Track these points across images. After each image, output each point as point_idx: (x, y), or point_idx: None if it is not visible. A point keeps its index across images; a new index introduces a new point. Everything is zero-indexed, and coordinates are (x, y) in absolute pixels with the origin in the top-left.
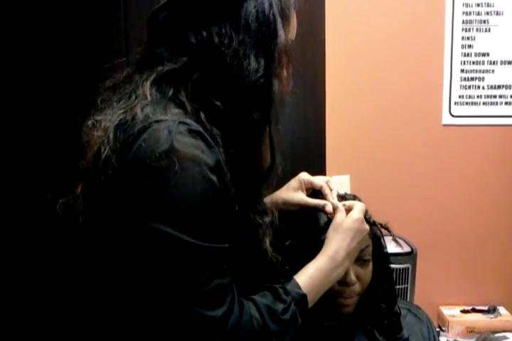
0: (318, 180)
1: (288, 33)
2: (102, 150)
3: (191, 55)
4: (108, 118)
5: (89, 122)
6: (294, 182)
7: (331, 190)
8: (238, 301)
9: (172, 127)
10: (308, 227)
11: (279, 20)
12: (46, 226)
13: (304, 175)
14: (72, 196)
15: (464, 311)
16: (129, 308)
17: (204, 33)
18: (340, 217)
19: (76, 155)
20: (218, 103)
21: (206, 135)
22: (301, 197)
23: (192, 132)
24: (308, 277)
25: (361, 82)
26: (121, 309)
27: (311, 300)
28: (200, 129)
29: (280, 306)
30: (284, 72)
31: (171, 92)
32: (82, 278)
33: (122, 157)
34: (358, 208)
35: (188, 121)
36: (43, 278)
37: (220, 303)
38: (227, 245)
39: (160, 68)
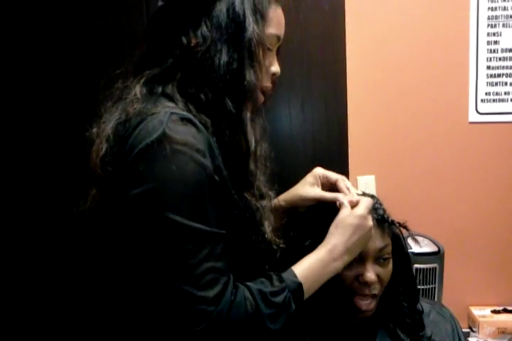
0: (333, 174)
1: (266, 27)
2: (102, 147)
3: (174, 57)
4: (106, 121)
5: (94, 130)
6: (309, 178)
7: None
8: (233, 285)
9: (164, 117)
10: (327, 228)
11: (249, 15)
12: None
13: (318, 170)
14: (86, 197)
15: (494, 311)
16: (127, 292)
17: (183, 37)
18: (343, 212)
19: (86, 161)
20: (202, 96)
21: (196, 121)
22: (318, 191)
23: (183, 120)
24: (305, 267)
25: (384, 81)
26: (121, 293)
27: (308, 289)
28: (191, 117)
29: (269, 289)
30: (262, 64)
31: (160, 91)
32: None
33: (121, 150)
34: (364, 204)
35: (180, 111)
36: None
37: (212, 285)
38: (222, 231)
39: (148, 72)
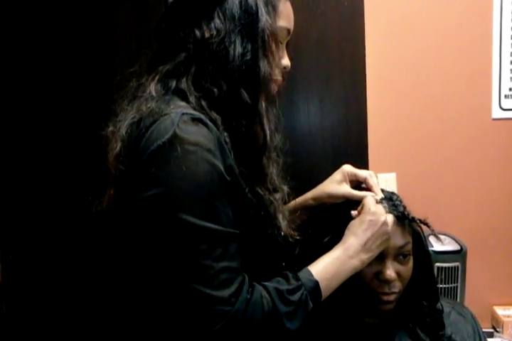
0: (362, 172)
1: (277, 20)
2: (116, 146)
3: (187, 51)
4: (122, 120)
5: (110, 128)
6: (337, 175)
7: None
8: (249, 284)
9: (175, 118)
10: (346, 223)
11: (261, 7)
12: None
13: (347, 167)
14: (104, 196)
15: None
16: (142, 293)
17: (196, 30)
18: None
19: (103, 159)
20: (215, 89)
21: (207, 121)
22: (346, 189)
23: (194, 120)
24: (321, 266)
25: (404, 77)
26: (136, 293)
27: (325, 288)
28: (202, 117)
29: (286, 287)
30: (274, 56)
31: (173, 85)
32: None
33: (134, 150)
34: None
35: (191, 111)
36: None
37: (228, 284)
38: (236, 230)
39: (161, 67)
